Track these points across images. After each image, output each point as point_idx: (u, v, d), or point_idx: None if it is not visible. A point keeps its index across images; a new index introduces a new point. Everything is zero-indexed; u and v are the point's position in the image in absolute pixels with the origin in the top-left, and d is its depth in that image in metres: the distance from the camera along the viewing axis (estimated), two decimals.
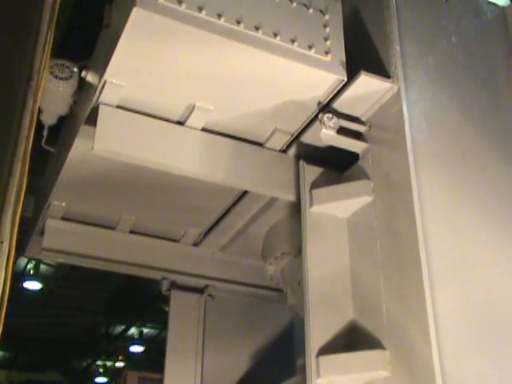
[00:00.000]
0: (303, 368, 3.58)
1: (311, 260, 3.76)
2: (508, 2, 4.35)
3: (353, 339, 3.55)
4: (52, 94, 4.07)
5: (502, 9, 4.35)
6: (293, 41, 3.60)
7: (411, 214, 3.31)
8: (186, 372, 5.20)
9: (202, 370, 5.23)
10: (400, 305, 3.28)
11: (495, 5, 4.34)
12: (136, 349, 21.56)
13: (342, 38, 3.81)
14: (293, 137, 4.17)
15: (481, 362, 3.12)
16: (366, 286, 3.60)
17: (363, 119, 3.90)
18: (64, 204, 4.79)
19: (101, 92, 3.71)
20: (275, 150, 4.26)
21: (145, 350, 21.39)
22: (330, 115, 3.78)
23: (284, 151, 4.27)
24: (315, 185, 3.97)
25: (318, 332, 3.56)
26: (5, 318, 2.70)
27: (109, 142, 3.76)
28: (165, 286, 5.41)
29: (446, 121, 3.72)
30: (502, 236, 3.54)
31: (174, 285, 5.43)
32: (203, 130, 4.05)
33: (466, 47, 4.08)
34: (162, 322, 18.26)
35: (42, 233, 4.96)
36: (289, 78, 3.71)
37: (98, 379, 23.79)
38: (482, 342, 3.19)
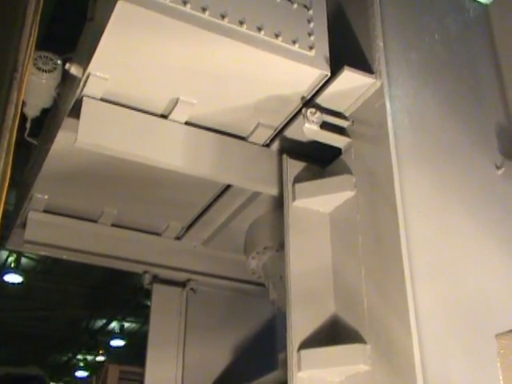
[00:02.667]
0: (285, 362, 3.59)
1: (293, 254, 3.78)
2: None
3: (334, 333, 3.57)
4: (35, 87, 4.05)
5: (485, 6, 4.38)
6: (277, 35, 3.61)
7: (393, 209, 3.33)
8: (168, 365, 5.22)
9: (183, 364, 5.25)
10: (381, 299, 3.30)
11: (478, 2, 4.37)
12: (117, 343, 21.52)
13: (326, 33, 3.82)
14: (276, 131, 4.18)
15: (461, 355, 3.15)
16: (347, 280, 3.62)
17: (346, 114, 3.92)
18: (46, 197, 4.78)
19: (84, 85, 3.71)
20: (258, 144, 4.27)
21: (126, 345, 21.36)
22: (314, 110, 3.80)
23: (267, 145, 4.28)
24: (298, 179, 3.99)
25: (299, 326, 3.57)
26: None
27: (92, 134, 3.75)
28: (147, 279, 5.42)
29: (428, 116, 3.74)
30: (483, 231, 3.57)
31: (155, 278, 5.44)
32: (187, 123, 4.05)
33: (449, 44, 4.11)
34: (142, 316, 18.23)
35: (23, 225, 4.94)
36: (272, 73, 3.72)
37: (79, 373, 23.71)
38: (463, 336, 3.22)
